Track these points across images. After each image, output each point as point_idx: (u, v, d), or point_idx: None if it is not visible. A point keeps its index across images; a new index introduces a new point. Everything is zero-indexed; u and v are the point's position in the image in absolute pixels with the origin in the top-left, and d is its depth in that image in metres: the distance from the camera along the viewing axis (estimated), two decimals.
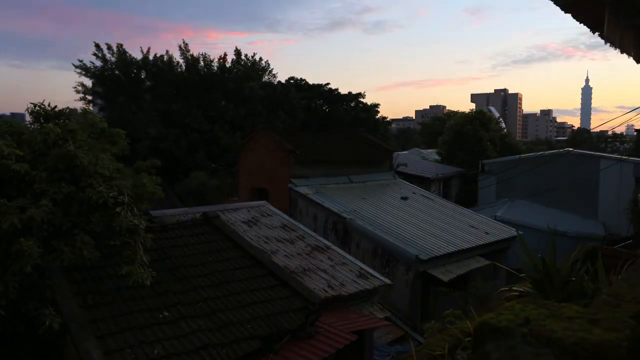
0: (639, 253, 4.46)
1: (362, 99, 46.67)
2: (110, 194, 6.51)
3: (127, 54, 33.60)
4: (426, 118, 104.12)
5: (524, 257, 3.61)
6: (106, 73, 33.44)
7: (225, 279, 8.19)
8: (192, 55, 34.00)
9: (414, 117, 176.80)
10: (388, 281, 11.28)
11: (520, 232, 14.29)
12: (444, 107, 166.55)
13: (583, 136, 68.22)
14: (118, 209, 6.47)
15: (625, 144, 50.17)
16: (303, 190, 17.61)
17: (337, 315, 9.02)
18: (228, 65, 34.52)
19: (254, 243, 10.28)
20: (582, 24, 4.93)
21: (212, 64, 34.24)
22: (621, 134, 55.48)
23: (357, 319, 9.11)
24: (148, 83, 34.33)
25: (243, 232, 10.94)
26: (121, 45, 33.80)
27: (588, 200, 25.49)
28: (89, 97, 35.11)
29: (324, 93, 44.09)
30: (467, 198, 30.54)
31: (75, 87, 34.19)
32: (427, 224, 16.45)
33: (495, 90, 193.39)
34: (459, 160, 35.84)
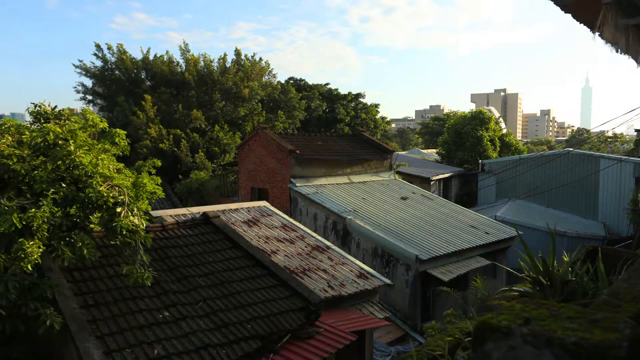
0: (639, 253, 4.46)
1: (362, 99, 46.73)
2: (111, 194, 6.51)
3: (127, 54, 33.60)
4: (426, 118, 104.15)
5: (524, 257, 3.61)
6: (106, 73, 33.42)
7: (225, 279, 8.20)
8: (192, 55, 33.99)
9: (413, 117, 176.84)
10: (388, 281, 11.28)
11: (520, 232, 14.29)
12: (444, 106, 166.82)
13: (583, 136, 68.21)
14: (118, 209, 6.47)
15: (625, 144, 50.13)
16: (303, 190, 17.61)
17: (337, 315, 9.02)
18: (228, 65, 34.50)
19: (254, 243, 10.28)
20: (582, 24, 4.94)
21: (212, 63, 34.22)
22: (621, 134, 55.45)
23: (357, 319, 9.11)
24: (148, 83, 34.30)
25: (243, 232, 10.94)
26: (121, 45, 33.82)
27: (588, 200, 25.51)
28: (89, 97, 35.13)
29: (324, 93, 44.09)
30: (467, 198, 30.56)
31: (76, 87, 34.26)
32: (427, 224, 16.44)
33: (495, 90, 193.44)
34: (459, 160, 35.86)
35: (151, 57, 34.17)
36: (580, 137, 70.71)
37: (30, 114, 7.35)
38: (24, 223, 5.87)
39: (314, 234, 12.31)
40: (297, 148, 18.63)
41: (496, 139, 37.90)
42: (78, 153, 6.59)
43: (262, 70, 37.38)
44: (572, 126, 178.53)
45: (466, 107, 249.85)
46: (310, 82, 44.53)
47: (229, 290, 7.91)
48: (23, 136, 6.98)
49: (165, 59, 34.04)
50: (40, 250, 5.98)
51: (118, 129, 8.25)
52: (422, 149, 57.22)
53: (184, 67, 34.05)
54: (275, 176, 19.04)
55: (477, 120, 36.95)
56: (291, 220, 12.82)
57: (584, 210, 25.55)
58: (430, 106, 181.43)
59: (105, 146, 7.84)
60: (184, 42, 35.23)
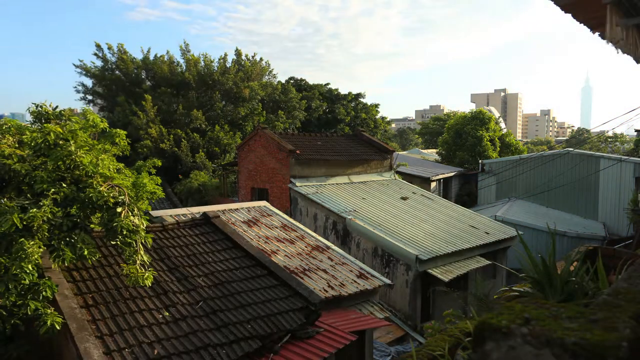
0: (639, 253, 4.46)
1: (362, 99, 46.73)
2: (111, 194, 6.51)
3: (128, 54, 33.62)
4: (426, 118, 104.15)
5: (524, 257, 3.61)
6: (106, 73, 33.44)
7: (225, 279, 8.20)
8: (192, 55, 34.01)
9: (413, 117, 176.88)
10: (388, 281, 11.28)
11: (520, 232, 14.29)
12: (444, 106, 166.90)
13: (583, 136, 68.25)
14: (119, 209, 6.47)
15: (625, 144, 50.21)
16: (303, 190, 17.62)
17: (337, 315, 9.02)
18: (228, 65, 34.50)
19: (254, 243, 10.28)
20: (582, 24, 4.94)
21: (213, 63, 34.24)
22: (621, 134, 55.50)
23: (357, 319, 9.11)
24: (148, 83, 34.32)
25: (243, 232, 10.95)
26: (122, 45, 33.83)
27: (588, 200, 25.52)
28: (89, 97, 35.16)
29: (324, 93, 44.09)
30: (467, 198, 30.58)
31: (76, 87, 34.29)
32: (427, 224, 16.45)
33: (495, 90, 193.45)
34: (459, 160, 35.88)
35: (151, 57, 34.20)
36: (580, 137, 70.72)
37: (31, 114, 7.36)
38: (24, 223, 5.88)
39: (314, 234, 12.31)
40: (297, 148, 18.63)
41: (496, 139, 37.91)
42: (79, 153, 6.60)
43: (262, 71, 37.39)
44: (572, 126, 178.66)
45: (466, 107, 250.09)
46: (310, 82, 44.56)
47: (229, 290, 7.91)
48: (24, 136, 6.98)
49: (165, 59, 34.05)
50: (41, 250, 5.99)
51: (118, 129, 8.26)
52: (422, 149, 57.25)
53: (184, 67, 34.08)
54: (275, 176, 19.04)
55: (477, 120, 36.97)
56: (291, 220, 12.82)
57: (584, 210, 25.56)
58: (430, 106, 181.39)
59: (106, 146, 7.85)
60: (184, 42, 35.27)
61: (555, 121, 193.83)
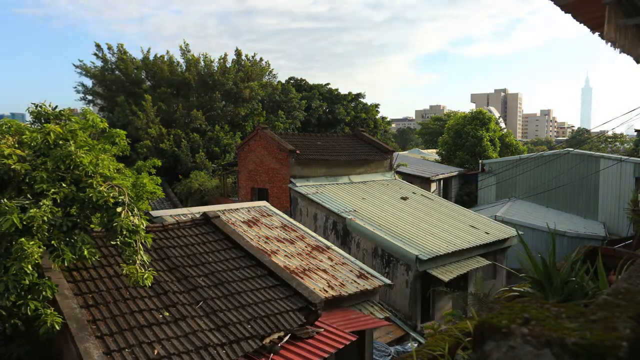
0: (639, 253, 4.46)
1: (362, 99, 46.73)
2: (111, 194, 6.51)
3: (128, 54, 33.63)
4: (426, 118, 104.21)
5: (524, 257, 3.61)
6: (106, 73, 33.45)
7: (225, 279, 8.20)
8: (192, 56, 34.02)
9: (413, 117, 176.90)
10: (388, 281, 11.29)
11: (520, 232, 14.27)
12: (444, 106, 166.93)
13: (583, 136, 68.26)
14: (118, 209, 6.47)
15: (625, 144, 50.25)
16: (303, 190, 17.62)
17: (337, 315, 9.03)
18: (228, 65, 34.50)
19: (254, 243, 10.28)
20: (582, 24, 4.94)
21: (213, 64, 34.24)
22: (621, 134, 55.53)
23: (357, 319, 9.11)
24: (148, 83, 34.33)
25: (243, 232, 10.95)
26: (122, 45, 33.85)
27: (588, 200, 25.52)
28: (89, 97, 35.17)
29: (324, 93, 44.09)
30: (467, 198, 30.59)
31: (76, 87, 34.30)
32: (427, 224, 16.45)
33: (495, 90, 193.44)
34: (459, 161, 35.88)
35: (151, 57, 34.20)
36: (580, 137, 70.70)
37: (31, 114, 7.36)
38: (24, 223, 5.88)
39: (314, 234, 12.32)
40: (297, 148, 18.63)
41: (496, 139, 37.93)
42: (78, 153, 6.60)
43: (262, 71, 37.40)
44: (572, 126, 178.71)
45: (466, 107, 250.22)
46: (310, 82, 44.56)
47: (229, 290, 7.91)
48: (23, 136, 6.98)
49: (165, 59, 34.05)
50: (41, 250, 5.98)
51: (118, 129, 8.27)
52: (422, 149, 57.26)
53: (185, 68, 34.09)
54: (275, 176, 19.04)
55: (477, 120, 36.99)
56: (291, 220, 12.83)
57: (584, 210, 25.57)
58: (431, 106, 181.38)
59: (106, 146, 7.85)
60: (184, 42, 35.28)
61: (555, 121, 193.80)
